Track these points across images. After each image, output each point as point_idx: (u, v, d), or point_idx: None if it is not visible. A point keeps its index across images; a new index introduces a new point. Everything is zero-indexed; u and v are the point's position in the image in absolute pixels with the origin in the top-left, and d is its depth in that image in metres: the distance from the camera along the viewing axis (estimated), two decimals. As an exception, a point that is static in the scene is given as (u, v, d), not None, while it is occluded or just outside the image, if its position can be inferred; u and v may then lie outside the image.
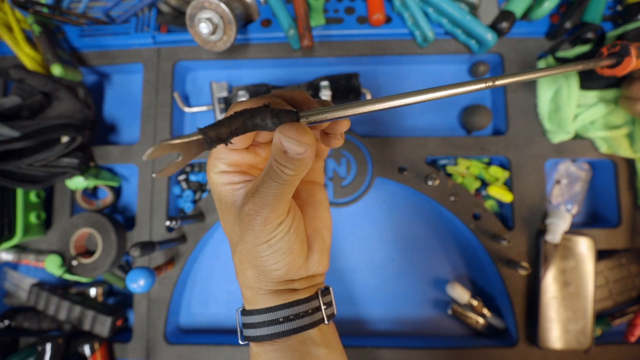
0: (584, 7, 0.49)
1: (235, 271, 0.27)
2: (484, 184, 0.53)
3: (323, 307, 0.27)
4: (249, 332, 0.25)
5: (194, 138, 0.20)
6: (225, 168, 0.25)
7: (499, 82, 0.22)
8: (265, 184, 0.22)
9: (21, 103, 0.47)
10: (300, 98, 0.23)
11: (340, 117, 0.21)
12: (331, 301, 0.28)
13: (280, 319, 0.25)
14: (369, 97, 0.54)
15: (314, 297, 0.27)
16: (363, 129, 0.55)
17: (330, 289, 0.29)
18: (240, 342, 0.26)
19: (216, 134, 0.20)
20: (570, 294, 0.47)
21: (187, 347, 0.50)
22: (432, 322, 0.53)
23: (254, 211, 0.23)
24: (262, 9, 0.53)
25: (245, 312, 0.26)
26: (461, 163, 0.52)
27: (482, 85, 0.22)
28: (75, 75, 0.51)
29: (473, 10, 0.51)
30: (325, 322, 0.26)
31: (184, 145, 0.20)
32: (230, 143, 0.21)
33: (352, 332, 0.53)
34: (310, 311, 0.26)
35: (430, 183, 0.50)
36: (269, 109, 0.20)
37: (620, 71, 0.35)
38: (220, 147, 0.24)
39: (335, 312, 0.28)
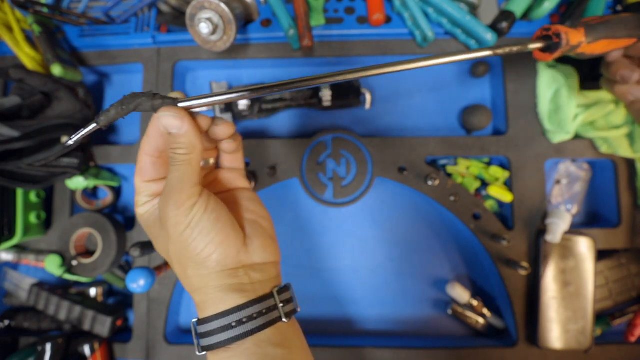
0: (584, 7, 0.49)
1: (180, 280, 0.27)
2: (484, 184, 0.53)
3: (280, 305, 0.26)
4: (204, 342, 0.24)
5: (90, 129, 0.25)
6: (147, 199, 0.27)
7: (398, 69, 0.26)
8: (169, 174, 0.25)
9: (21, 103, 0.47)
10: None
11: (215, 102, 0.24)
12: (291, 298, 0.27)
13: (233, 324, 0.24)
14: (368, 97, 0.54)
15: (269, 295, 0.26)
16: (363, 129, 0.55)
17: (290, 285, 0.28)
18: (197, 354, 0.25)
19: (107, 119, 0.24)
20: (570, 294, 0.47)
21: (187, 347, 0.50)
22: (432, 322, 0.53)
23: (165, 200, 0.24)
24: (262, 9, 0.53)
25: (199, 322, 0.25)
26: (461, 163, 0.52)
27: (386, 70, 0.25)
28: (75, 75, 0.51)
29: (473, 10, 0.51)
30: (284, 320, 0.25)
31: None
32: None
33: (352, 332, 0.53)
34: (264, 311, 0.25)
35: (430, 183, 0.49)
36: (152, 95, 0.24)
37: (547, 58, 0.34)
38: (140, 183, 0.27)
39: (298, 309, 0.27)
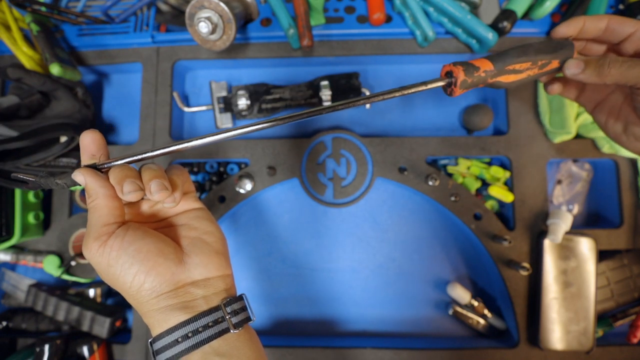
0: (585, 6, 0.49)
1: None
2: (485, 184, 0.53)
3: (228, 317, 0.26)
4: (159, 358, 0.25)
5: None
6: None
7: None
8: None
9: (19, 102, 0.46)
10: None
11: (125, 162, 0.26)
12: (242, 308, 0.28)
13: (179, 339, 0.25)
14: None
15: (216, 308, 0.27)
16: (363, 128, 0.55)
17: (243, 295, 0.29)
18: None
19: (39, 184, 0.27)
20: (571, 294, 0.46)
21: (186, 348, 0.49)
22: (433, 322, 0.52)
23: (82, 245, 0.26)
24: (261, 8, 0.53)
25: (153, 340, 0.26)
26: (462, 163, 0.51)
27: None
28: (73, 75, 0.51)
29: (474, 9, 0.51)
30: (232, 331, 0.26)
31: None
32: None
33: (352, 333, 0.53)
34: (210, 324, 0.26)
35: (430, 183, 0.49)
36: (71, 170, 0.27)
37: (453, 94, 0.32)
38: None
39: (253, 318, 0.28)
